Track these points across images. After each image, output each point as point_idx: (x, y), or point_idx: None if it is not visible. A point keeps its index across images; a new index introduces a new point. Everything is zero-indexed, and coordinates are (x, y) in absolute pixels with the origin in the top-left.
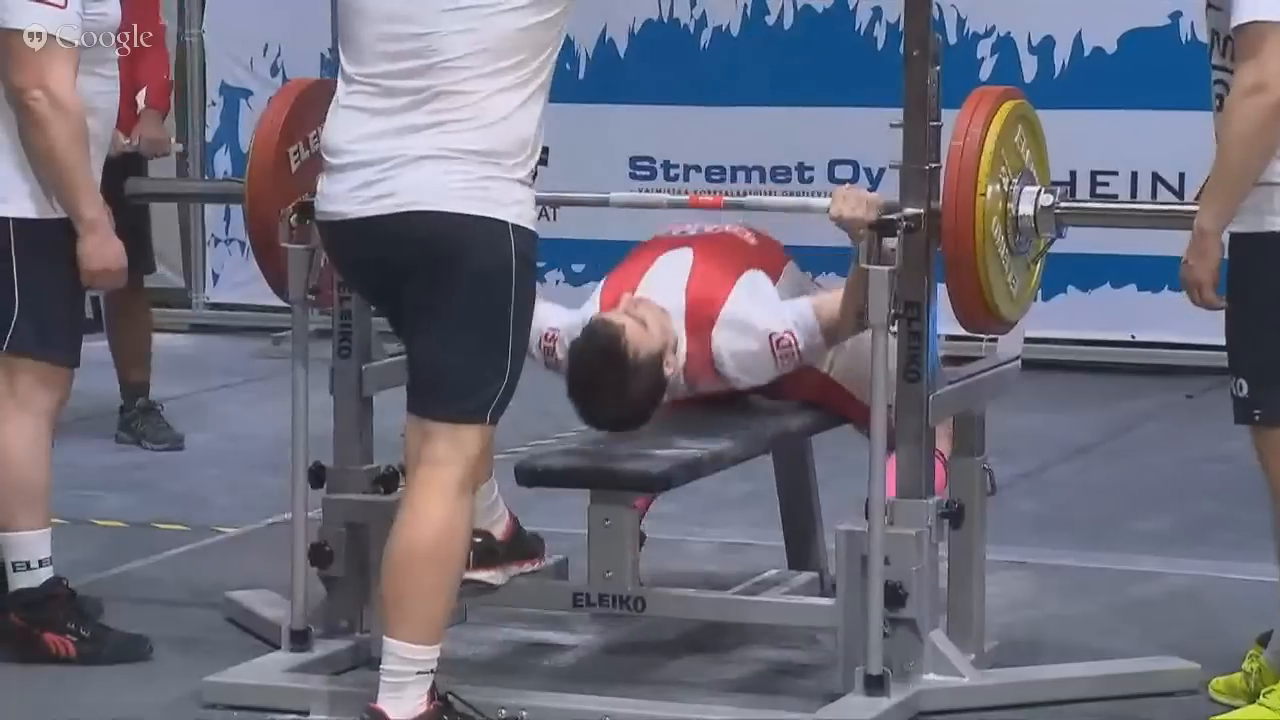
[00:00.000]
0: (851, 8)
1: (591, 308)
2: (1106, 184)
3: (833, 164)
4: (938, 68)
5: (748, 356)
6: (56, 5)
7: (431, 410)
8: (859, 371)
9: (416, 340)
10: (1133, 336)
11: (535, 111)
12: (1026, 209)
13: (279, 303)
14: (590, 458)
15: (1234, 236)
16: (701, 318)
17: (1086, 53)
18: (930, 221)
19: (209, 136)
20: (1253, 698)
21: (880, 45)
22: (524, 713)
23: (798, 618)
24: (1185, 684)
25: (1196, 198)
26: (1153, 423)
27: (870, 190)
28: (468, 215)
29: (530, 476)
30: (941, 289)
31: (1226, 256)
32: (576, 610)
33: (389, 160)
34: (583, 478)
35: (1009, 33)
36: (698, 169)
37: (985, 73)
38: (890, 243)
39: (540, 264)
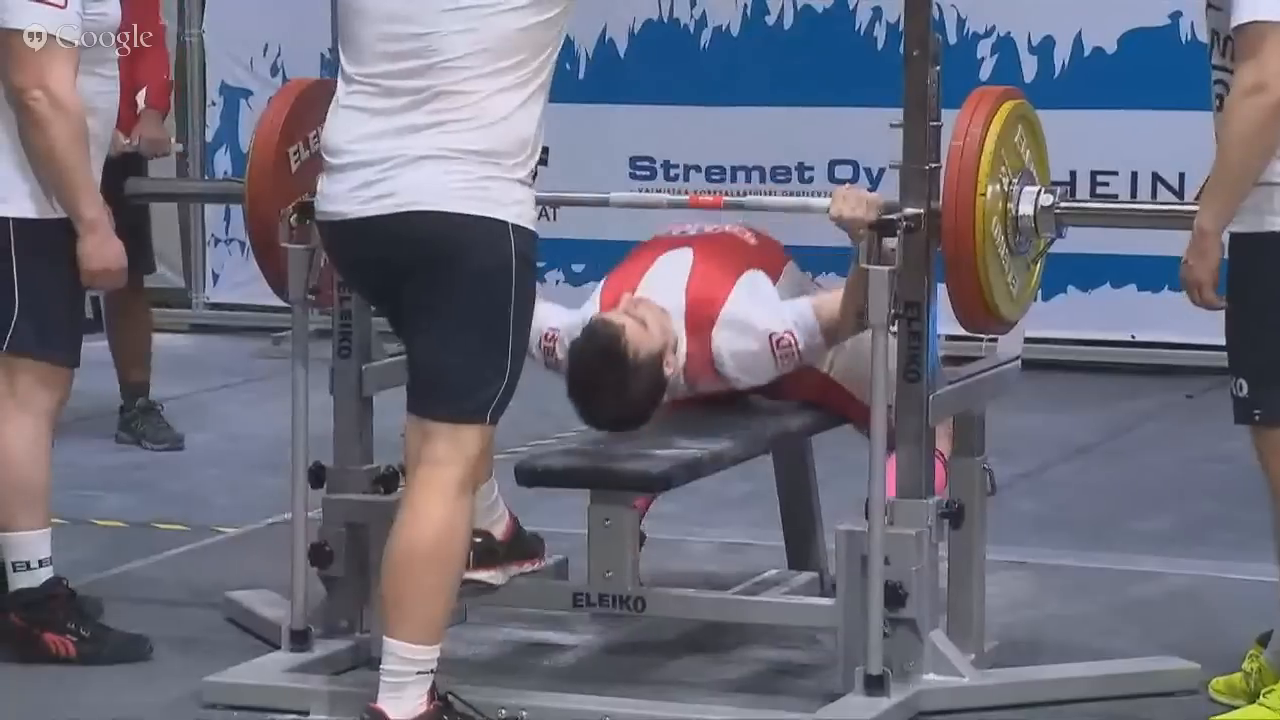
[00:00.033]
0: (851, 8)
1: (591, 308)
2: (1106, 184)
3: (833, 164)
4: (938, 68)
5: (748, 356)
6: (56, 5)
7: (431, 410)
8: (859, 371)
9: (416, 340)
10: (1133, 336)
11: (535, 111)
12: (1026, 209)
13: (279, 303)
14: (590, 458)
15: (1234, 236)
16: (701, 318)
17: (1086, 53)
18: (930, 221)
19: (209, 136)
20: (1253, 698)
21: (880, 45)
22: (524, 713)
23: (798, 618)
24: (1185, 684)
25: (1196, 198)
26: (1153, 423)
27: (870, 190)
28: (468, 215)
29: (530, 476)
30: (941, 289)
31: (1226, 256)
32: (576, 610)
33: (389, 160)
34: (583, 478)
35: (1009, 33)
36: (698, 169)
37: (985, 73)
38: (890, 243)
39: (540, 264)
